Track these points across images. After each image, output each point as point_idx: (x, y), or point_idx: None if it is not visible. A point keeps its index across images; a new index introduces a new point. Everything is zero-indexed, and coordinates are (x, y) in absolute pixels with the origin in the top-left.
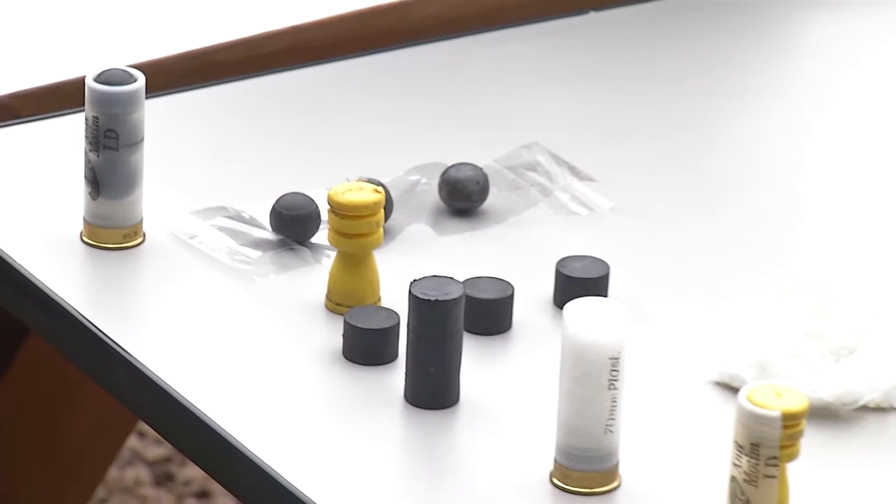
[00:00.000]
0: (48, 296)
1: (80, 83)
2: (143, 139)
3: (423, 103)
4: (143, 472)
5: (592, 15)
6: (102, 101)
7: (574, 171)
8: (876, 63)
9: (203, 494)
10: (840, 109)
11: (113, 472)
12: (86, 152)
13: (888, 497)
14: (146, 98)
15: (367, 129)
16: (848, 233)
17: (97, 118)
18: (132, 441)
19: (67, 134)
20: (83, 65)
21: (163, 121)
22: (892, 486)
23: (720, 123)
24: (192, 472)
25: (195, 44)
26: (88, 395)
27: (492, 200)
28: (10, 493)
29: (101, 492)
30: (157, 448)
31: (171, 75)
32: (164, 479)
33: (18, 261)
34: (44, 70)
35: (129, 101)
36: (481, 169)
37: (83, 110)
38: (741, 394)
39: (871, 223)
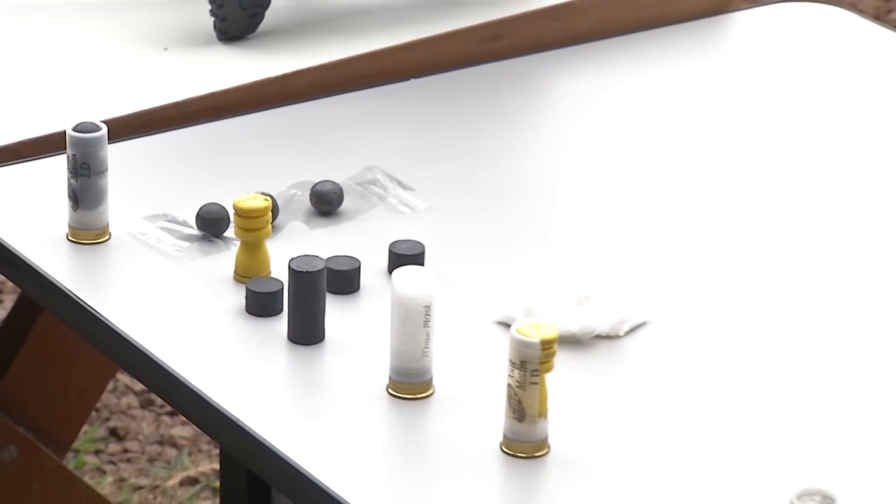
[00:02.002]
0: (46, 278)
1: (63, 134)
2: (107, 169)
3: (299, 142)
4: (132, 399)
5: (413, 81)
6: (78, 143)
7: (401, 184)
8: (601, 107)
9: (174, 413)
10: (579, 138)
11: (112, 400)
12: (68, 179)
13: (613, 395)
14: (109, 142)
15: (261, 159)
16: (583, 220)
17: (75, 155)
18: (125, 378)
19: (56, 168)
20: (66, 121)
21: (122, 157)
22: (615, 390)
23: (501, 150)
24: None
25: (144, 106)
26: (83, 349)
27: (346, 205)
28: (34, 418)
29: (104, 413)
30: None
31: (127, 127)
32: (146, 403)
33: (26, 255)
34: (39, 125)
35: (97, 144)
36: (338, 184)
37: (66, 151)
38: (513, 328)
39: (599, 214)
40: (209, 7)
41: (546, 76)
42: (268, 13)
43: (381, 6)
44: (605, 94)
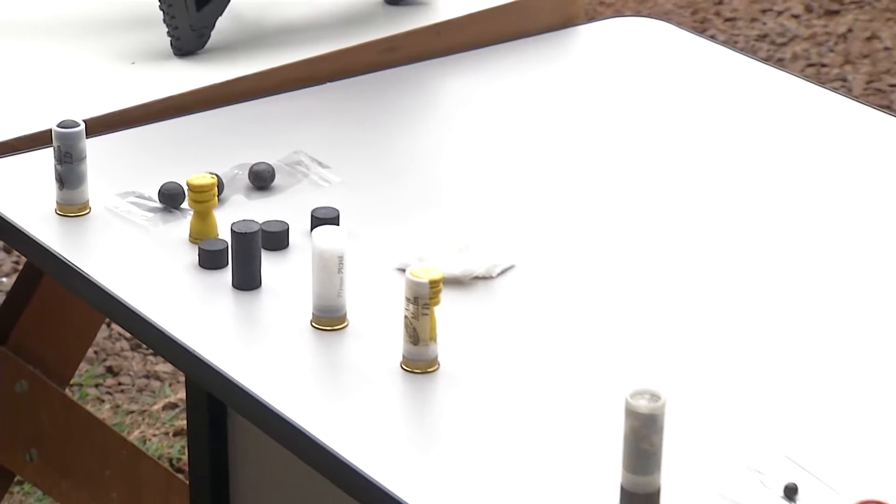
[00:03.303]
0: (40, 244)
1: (50, 131)
2: (86, 157)
3: (239, 134)
4: (124, 344)
5: (329, 84)
6: (62, 137)
7: (320, 164)
8: (476, 104)
9: (156, 353)
10: (458, 128)
11: (107, 344)
12: (55, 165)
13: (487, 324)
14: (88, 137)
15: (209, 147)
16: (462, 190)
17: (60, 146)
18: (118, 328)
19: (45, 157)
20: (52, 120)
21: (98, 148)
22: (489, 319)
23: (397, 138)
24: None
25: (115, 107)
26: (77, 303)
27: (277, 181)
28: (41, 358)
29: (102, 355)
30: None
31: (103, 124)
32: (136, 346)
33: (24, 226)
34: (31, 124)
35: (77, 137)
36: (271, 165)
37: (52, 144)
38: (407, 272)
39: (473, 185)
40: (166, 29)
41: (432, 80)
42: (213, 33)
43: (303, 26)
44: (478, 94)
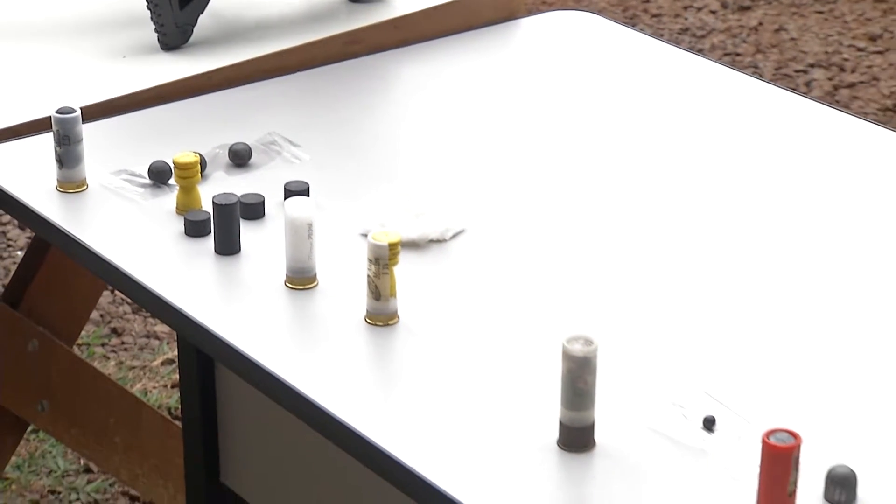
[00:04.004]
0: (44, 218)
1: (50, 118)
2: (82, 140)
3: (219, 118)
4: (126, 308)
5: (298, 74)
6: (61, 122)
7: (292, 143)
8: (429, 90)
9: (149, 313)
10: (414, 111)
11: (111, 308)
12: (55, 147)
13: (441, 281)
14: (84, 122)
15: (193, 130)
16: (416, 165)
17: (59, 130)
18: (120, 293)
19: (46, 141)
20: (52, 107)
21: (94, 132)
22: (442, 277)
23: (360, 120)
24: None
25: (109, 96)
26: (82, 270)
27: (254, 159)
28: (50, 320)
29: (107, 317)
30: None
31: (98, 111)
32: (137, 310)
33: (29, 202)
34: (33, 111)
35: (74, 122)
36: (248, 145)
37: (52, 128)
38: (369, 236)
39: (426, 160)
40: (153, 26)
41: (391, 69)
42: (195, 29)
43: (275, 22)
44: (432, 81)
